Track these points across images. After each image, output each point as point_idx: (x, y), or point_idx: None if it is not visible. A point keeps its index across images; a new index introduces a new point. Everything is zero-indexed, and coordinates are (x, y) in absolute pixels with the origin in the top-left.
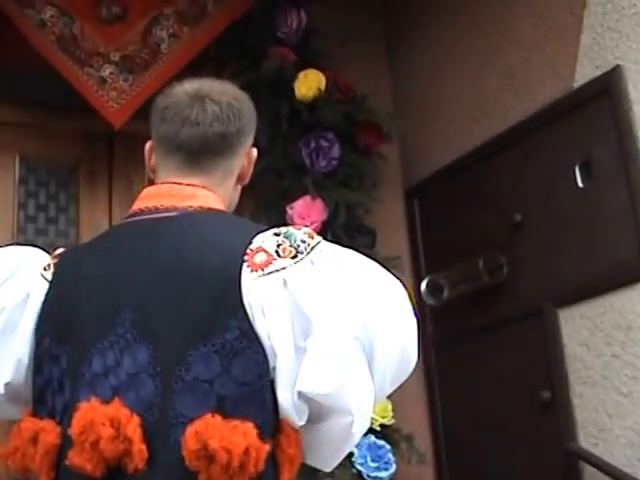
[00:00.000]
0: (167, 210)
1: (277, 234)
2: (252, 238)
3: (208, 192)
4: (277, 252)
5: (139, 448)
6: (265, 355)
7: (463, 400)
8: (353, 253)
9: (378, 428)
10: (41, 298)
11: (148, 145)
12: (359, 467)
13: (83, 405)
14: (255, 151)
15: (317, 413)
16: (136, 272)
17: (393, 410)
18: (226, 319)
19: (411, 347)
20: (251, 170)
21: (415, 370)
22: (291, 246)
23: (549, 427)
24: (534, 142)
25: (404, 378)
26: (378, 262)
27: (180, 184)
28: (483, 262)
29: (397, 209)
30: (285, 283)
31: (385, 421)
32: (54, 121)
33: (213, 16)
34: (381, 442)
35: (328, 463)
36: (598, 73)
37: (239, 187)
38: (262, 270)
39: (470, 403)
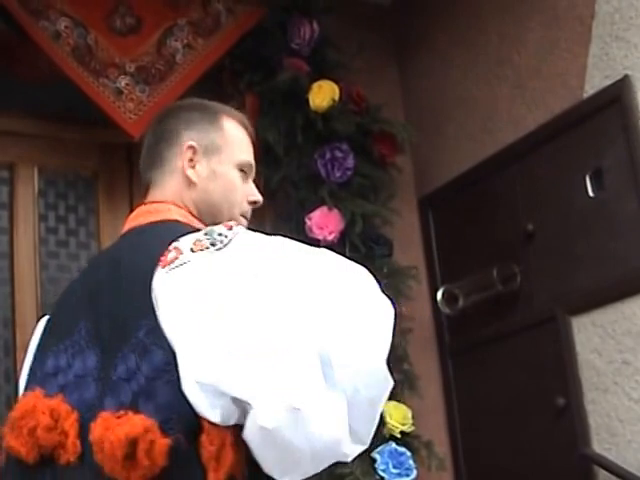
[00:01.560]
0: (134, 228)
1: (204, 233)
2: (175, 240)
3: (158, 205)
4: (191, 249)
5: (73, 442)
6: (171, 350)
7: (480, 407)
8: (281, 240)
9: (399, 435)
10: None
11: None
12: (382, 473)
13: (28, 394)
14: (188, 144)
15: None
16: (92, 285)
17: (413, 417)
18: (139, 318)
19: (372, 351)
20: (202, 165)
21: (431, 379)
22: (207, 240)
23: (564, 433)
24: (545, 152)
25: (376, 376)
26: (396, 272)
27: (144, 204)
28: (497, 271)
29: (412, 219)
30: (186, 275)
31: (405, 428)
32: (72, 133)
33: (227, 27)
34: (402, 449)
35: (274, 471)
36: (607, 83)
37: (203, 187)
38: (169, 266)
39: (486, 410)
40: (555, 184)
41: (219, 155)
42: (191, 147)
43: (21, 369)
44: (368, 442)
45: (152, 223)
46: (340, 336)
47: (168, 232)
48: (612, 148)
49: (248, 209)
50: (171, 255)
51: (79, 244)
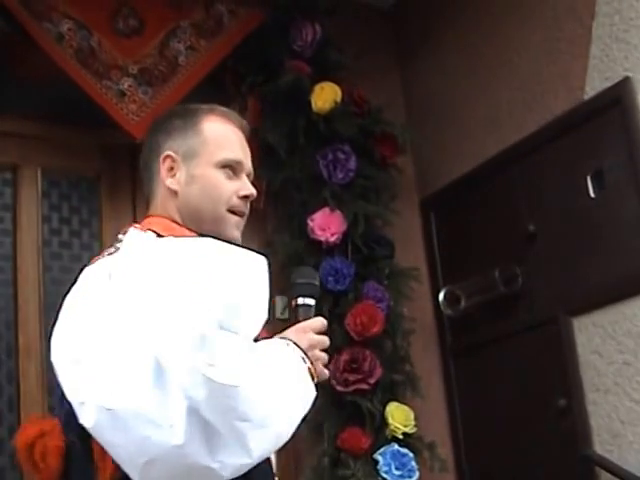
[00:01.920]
0: None
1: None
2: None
3: (146, 220)
4: (98, 257)
5: None
6: None
7: (482, 408)
8: (158, 241)
9: (401, 436)
10: None
11: None
12: (384, 475)
13: None
14: (165, 154)
15: None
16: None
17: (415, 419)
18: None
19: (171, 328)
20: (181, 173)
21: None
22: (108, 249)
23: (565, 434)
24: (546, 153)
25: (180, 364)
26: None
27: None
28: (498, 272)
29: (413, 221)
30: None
31: (408, 430)
32: (75, 135)
33: (229, 29)
34: (404, 450)
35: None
36: (608, 84)
37: (183, 192)
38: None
39: (488, 411)
40: (556, 185)
41: (197, 158)
42: (168, 157)
43: (24, 370)
44: (252, 456)
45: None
46: (166, 337)
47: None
48: (613, 149)
49: (239, 204)
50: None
51: (82, 245)
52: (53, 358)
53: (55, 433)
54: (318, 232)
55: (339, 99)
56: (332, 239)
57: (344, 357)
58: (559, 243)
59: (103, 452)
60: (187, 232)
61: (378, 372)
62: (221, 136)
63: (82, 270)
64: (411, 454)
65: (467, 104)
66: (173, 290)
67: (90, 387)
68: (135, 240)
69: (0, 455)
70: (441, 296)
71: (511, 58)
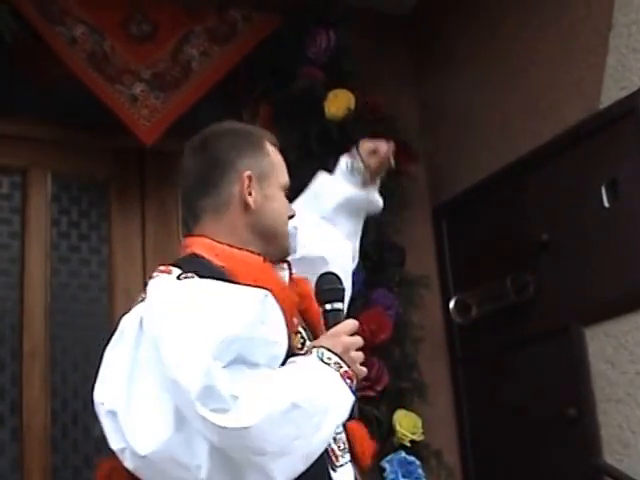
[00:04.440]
0: None
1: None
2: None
3: (196, 239)
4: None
5: None
6: None
7: (490, 416)
8: (163, 291)
9: (408, 444)
10: None
11: None
12: None
13: None
14: (247, 173)
15: None
16: None
17: (423, 426)
18: None
19: (178, 380)
20: (256, 192)
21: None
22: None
23: (575, 443)
24: (560, 162)
25: (191, 411)
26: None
27: (186, 236)
28: (510, 281)
29: (425, 228)
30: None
31: (415, 437)
32: (85, 138)
33: (243, 35)
34: (411, 458)
35: None
36: (624, 94)
37: (259, 212)
38: None
39: (497, 419)
40: (570, 194)
41: (269, 180)
42: (249, 177)
43: (27, 373)
44: None
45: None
46: (176, 388)
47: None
48: (627, 159)
49: (288, 222)
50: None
51: (91, 249)
52: (96, 409)
53: (121, 469)
54: None
55: (352, 106)
56: None
57: None
58: (572, 252)
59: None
60: (235, 251)
61: (385, 379)
62: (280, 160)
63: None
64: (418, 462)
65: (481, 113)
66: (175, 337)
67: (125, 436)
68: (154, 286)
69: (1, 458)
70: (452, 304)
71: (526, 67)
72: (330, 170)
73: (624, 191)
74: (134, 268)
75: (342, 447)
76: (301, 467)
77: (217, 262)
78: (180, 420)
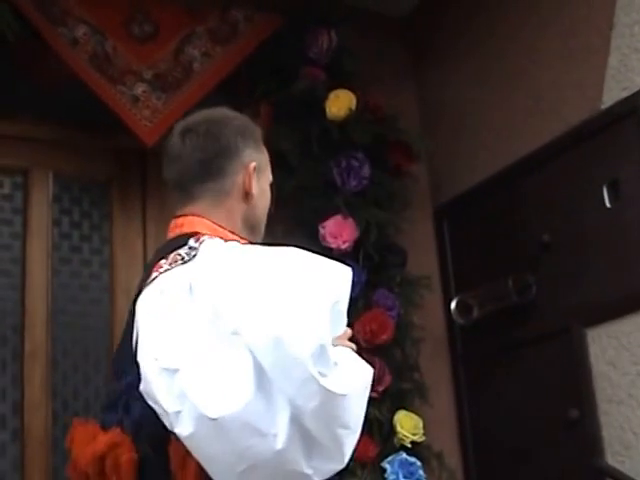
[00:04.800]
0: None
1: (188, 247)
2: (163, 256)
3: (196, 218)
4: (170, 263)
5: None
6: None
7: (492, 417)
8: (234, 246)
9: (409, 445)
10: None
11: None
12: None
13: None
14: (253, 165)
15: None
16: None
17: (424, 427)
18: (130, 337)
19: (286, 337)
20: (255, 184)
21: (442, 387)
22: (183, 254)
23: (577, 444)
24: (562, 163)
25: (298, 374)
26: (409, 281)
27: (177, 217)
28: (512, 282)
29: (427, 229)
30: (153, 289)
31: (416, 438)
32: (87, 139)
33: (244, 35)
34: (412, 459)
35: (221, 477)
36: (625, 94)
37: (256, 202)
38: (147, 282)
39: (499, 420)
40: (571, 195)
41: (263, 174)
42: (255, 168)
43: (28, 374)
44: (344, 461)
45: (171, 239)
46: (266, 344)
47: (168, 247)
48: (630, 159)
49: None
50: (154, 273)
51: (92, 250)
52: (143, 368)
53: (126, 444)
54: (330, 239)
55: (354, 106)
56: (344, 246)
57: None
58: (573, 253)
59: (183, 461)
60: (235, 237)
61: (387, 380)
62: (268, 157)
63: (150, 276)
64: (419, 463)
65: (482, 113)
66: (288, 300)
67: (190, 396)
68: (216, 248)
69: (2, 459)
70: (453, 305)
71: (527, 67)
72: (331, 170)
73: (626, 192)
74: (135, 269)
75: None
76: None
77: None
78: (261, 383)
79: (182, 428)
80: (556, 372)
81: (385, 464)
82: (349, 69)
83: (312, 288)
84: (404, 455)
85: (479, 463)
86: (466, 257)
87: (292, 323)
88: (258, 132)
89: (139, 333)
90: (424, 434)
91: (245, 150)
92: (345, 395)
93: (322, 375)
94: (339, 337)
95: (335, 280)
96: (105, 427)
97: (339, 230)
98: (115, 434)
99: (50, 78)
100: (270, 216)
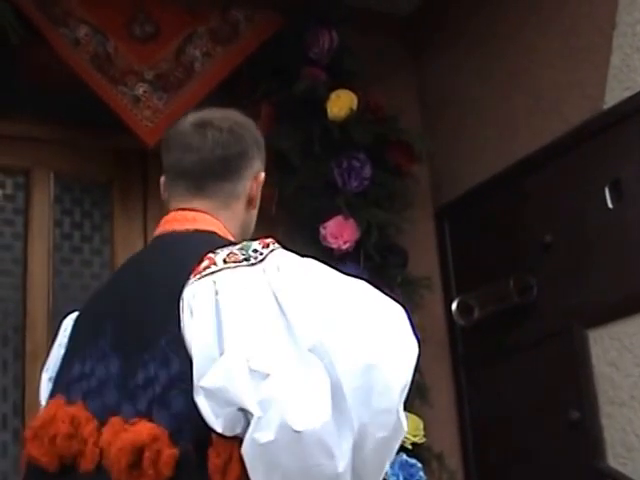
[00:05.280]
0: (167, 234)
1: (239, 247)
2: (210, 251)
3: (208, 216)
4: (224, 260)
5: (91, 450)
6: (189, 359)
7: (493, 419)
8: (313, 262)
9: (410, 447)
10: None
11: (162, 179)
12: None
13: (50, 401)
14: (263, 175)
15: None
16: (120, 291)
17: (424, 429)
18: (163, 326)
19: (381, 365)
20: (259, 195)
21: (443, 391)
22: (242, 255)
23: (578, 446)
24: (563, 163)
25: (383, 404)
26: (410, 282)
27: (184, 210)
28: (513, 282)
29: (428, 229)
30: (214, 284)
31: (417, 440)
32: (88, 139)
33: (245, 35)
34: (413, 460)
35: None
36: (628, 94)
37: (253, 212)
38: (200, 274)
39: (499, 422)
40: (573, 195)
41: (260, 187)
42: (262, 180)
43: (30, 374)
44: None
45: (187, 231)
46: (356, 368)
47: (204, 243)
48: (631, 159)
49: None
50: (203, 264)
51: (93, 250)
52: (225, 364)
53: (165, 438)
54: (331, 240)
55: (355, 107)
56: (345, 247)
57: None
58: (575, 254)
59: (225, 466)
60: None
61: None
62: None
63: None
64: (420, 464)
65: (484, 113)
66: (386, 330)
67: (277, 404)
68: (298, 261)
69: (3, 459)
70: (454, 306)
71: (529, 67)
72: (332, 170)
73: (628, 192)
74: None
75: None
76: None
77: None
78: (337, 405)
79: (262, 434)
80: (557, 373)
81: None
82: (350, 69)
83: (405, 327)
84: (404, 457)
85: (480, 464)
86: (467, 258)
87: (389, 353)
88: (262, 142)
89: (222, 324)
90: (424, 435)
91: (257, 159)
92: (405, 430)
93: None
94: None
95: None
96: (100, 415)
97: (340, 230)
98: (152, 427)
99: (52, 78)
100: (271, 216)
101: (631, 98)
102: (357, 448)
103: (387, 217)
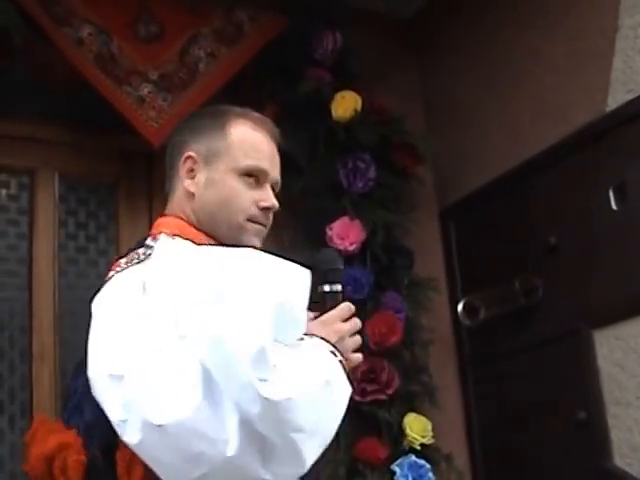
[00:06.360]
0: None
1: (144, 245)
2: (122, 256)
3: (161, 218)
4: (126, 262)
5: None
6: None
7: (500, 420)
8: (184, 248)
9: (419, 447)
10: None
11: None
12: None
13: None
14: (186, 155)
15: None
16: None
17: (433, 430)
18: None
19: (226, 337)
20: (199, 175)
21: (449, 390)
22: (137, 254)
23: (585, 447)
24: (568, 165)
25: (238, 378)
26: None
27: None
28: (519, 284)
29: (433, 230)
30: (100, 292)
31: (425, 440)
32: (93, 139)
33: (249, 36)
34: (421, 461)
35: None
36: (630, 97)
37: (199, 196)
38: (104, 282)
39: (506, 423)
40: (578, 197)
41: (219, 162)
42: (189, 157)
43: (37, 375)
44: (305, 465)
45: (143, 239)
46: (222, 350)
47: (132, 248)
48: (635, 161)
49: (258, 214)
50: (111, 271)
51: (98, 251)
52: (90, 372)
53: (76, 446)
54: (337, 241)
55: (359, 108)
56: (351, 248)
57: (362, 367)
58: (580, 255)
59: (128, 467)
60: (202, 236)
61: (396, 383)
62: (248, 142)
63: (108, 274)
64: (428, 465)
65: (488, 115)
66: (231, 301)
67: (135, 403)
68: (169, 248)
69: (11, 460)
70: (460, 307)
71: (533, 69)
72: (337, 171)
73: (632, 194)
74: None
75: None
76: (320, 453)
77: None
78: (209, 388)
79: (130, 436)
80: (563, 374)
81: (394, 467)
82: (354, 70)
83: (256, 288)
84: (413, 458)
85: (487, 465)
86: (472, 259)
87: (232, 323)
88: (225, 117)
89: (90, 334)
90: (433, 437)
91: (193, 142)
92: (289, 399)
93: (262, 380)
94: (332, 319)
95: (284, 280)
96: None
97: (346, 231)
98: (68, 435)
99: (56, 78)
100: (276, 218)
101: (634, 100)
102: (247, 424)
103: (393, 218)
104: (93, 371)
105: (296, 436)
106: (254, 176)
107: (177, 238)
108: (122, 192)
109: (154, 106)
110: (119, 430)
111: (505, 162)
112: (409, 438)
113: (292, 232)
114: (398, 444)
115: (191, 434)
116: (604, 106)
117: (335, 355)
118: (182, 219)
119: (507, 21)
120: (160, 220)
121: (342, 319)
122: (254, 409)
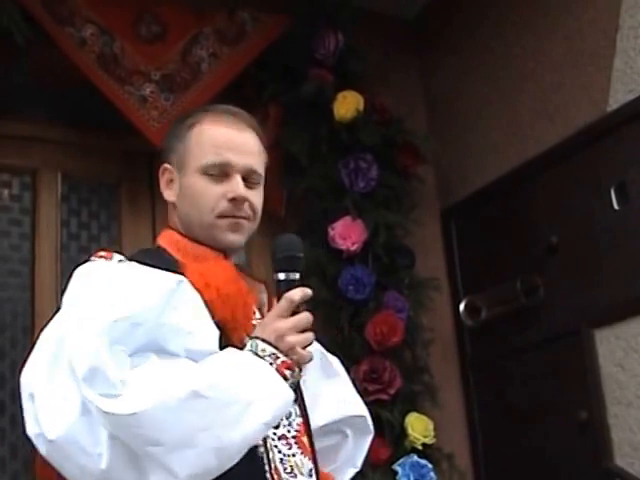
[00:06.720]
0: None
1: None
2: None
3: (162, 233)
4: None
5: None
6: None
7: (501, 419)
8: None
9: (420, 447)
10: None
11: None
12: None
13: None
14: (163, 166)
15: None
16: None
17: (434, 429)
18: None
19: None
20: (176, 184)
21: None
22: None
23: (586, 446)
24: (569, 165)
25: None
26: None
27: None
28: (520, 283)
29: (434, 230)
30: None
31: (427, 440)
32: (95, 140)
33: (252, 36)
34: (423, 461)
35: None
36: (631, 97)
37: (180, 204)
38: None
39: (508, 422)
40: (579, 197)
41: (185, 167)
42: (166, 169)
43: None
44: (179, 476)
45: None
46: (71, 369)
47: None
48: (636, 161)
49: (228, 208)
50: None
51: None
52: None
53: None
54: (339, 241)
55: (361, 108)
56: (353, 248)
57: (363, 367)
58: (582, 255)
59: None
60: (187, 242)
61: (398, 382)
62: (205, 140)
63: None
64: (430, 465)
65: (489, 115)
66: (71, 314)
67: (38, 421)
68: (81, 267)
69: (13, 460)
70: (462, 306)
71: (534, 69)
72: (339, 171)
73: (633, 194)
74: None
75: (289, 471)
76: (212, 463)
77: (175, 255)
78: (85, 405)
79: (40, 449)
80: (564, 374)
81: (396, 466)
82: (356, 70)
83: (91, 309)
84: (415, 457)
85: (489, 465)
86: (474, 259)
87: (70, 344)
88: (190, 121)
89: None
90: (434, 436)
91: (166, 152)
92: (136, 414)
93: (106, 396)
94: (270, 318)
95: (134, 296)
96: None
97: (348, 231)
98: None
99: (59, 78)
100: (279, 218)
101: (635, 100)
102: (115, 439)
103: (394, 218)
104: (22, 391)
105: (153, 450)
106: (215, 171)
107: (131, 262)
108: (124, 192)
109: (156, 106)
110: (34, 442)
111: (506, 162)
112: (411, 438)
113: (295, 232)
114: (400, 444)
115: (73, 447)
116: (605, 106)
117: (261, 357)
118: (172, 229)
119: (508, 22)
120: (160, 234)
121: (282, 315)
122: (105, 425)
